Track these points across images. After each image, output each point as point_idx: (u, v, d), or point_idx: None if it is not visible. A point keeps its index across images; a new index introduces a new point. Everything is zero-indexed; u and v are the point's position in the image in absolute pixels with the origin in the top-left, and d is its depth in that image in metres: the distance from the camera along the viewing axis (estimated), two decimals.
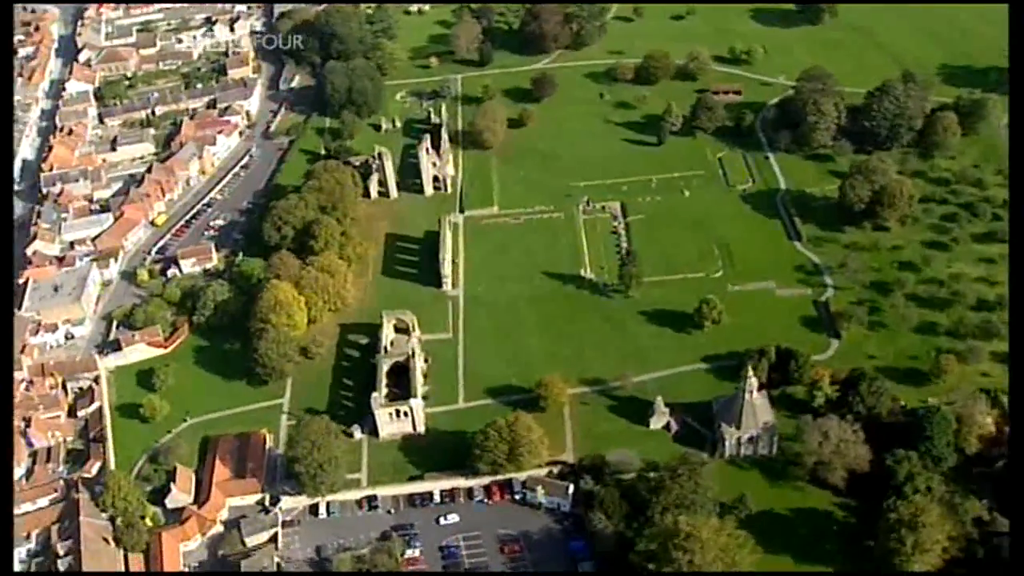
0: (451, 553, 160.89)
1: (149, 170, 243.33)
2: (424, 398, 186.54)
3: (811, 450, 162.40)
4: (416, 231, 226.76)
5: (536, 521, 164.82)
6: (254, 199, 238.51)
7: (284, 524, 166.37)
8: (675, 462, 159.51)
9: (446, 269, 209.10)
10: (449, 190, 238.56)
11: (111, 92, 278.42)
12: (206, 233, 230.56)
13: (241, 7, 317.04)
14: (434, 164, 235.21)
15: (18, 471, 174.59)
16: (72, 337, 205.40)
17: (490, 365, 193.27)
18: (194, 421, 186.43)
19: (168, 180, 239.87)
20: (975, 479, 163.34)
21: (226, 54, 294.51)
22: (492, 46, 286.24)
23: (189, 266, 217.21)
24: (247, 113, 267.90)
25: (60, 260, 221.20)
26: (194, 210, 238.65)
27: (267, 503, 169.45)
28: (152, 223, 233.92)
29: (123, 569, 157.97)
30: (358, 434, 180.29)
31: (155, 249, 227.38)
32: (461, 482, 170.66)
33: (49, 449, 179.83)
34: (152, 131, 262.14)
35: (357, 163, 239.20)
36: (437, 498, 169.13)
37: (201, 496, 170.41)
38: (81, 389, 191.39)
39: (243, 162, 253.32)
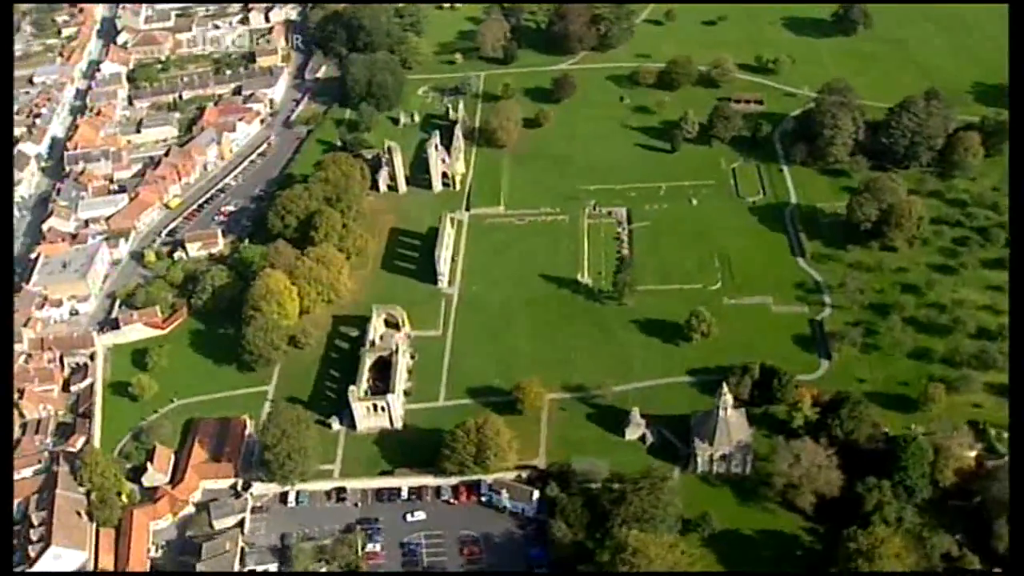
0: (411, 550, 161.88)
1: (167, 153, 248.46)
2: (406, 394, 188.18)
3: (781, 472, 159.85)
4: (420, 227, 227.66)
5: (499, 524, 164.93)
6: (266, 187, 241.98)
7: (253, 510, 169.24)
8: (637, 475, 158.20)
9: (442, 266, 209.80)
10: (458, 187, 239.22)
11: (143, 75, 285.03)
12: (216, 218, 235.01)
13: None
14: (443, 161, 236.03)
15: None
16: (76, 313, 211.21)
17: (475, 365, 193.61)
18: (181, 402, 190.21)
19: (185, 164, 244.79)
20: (950, 513, 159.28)
21: (258, 42, 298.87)
22: (519, 45, 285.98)
23: (195, 250, 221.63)
24: (270, 101, 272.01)
25: (73, 237, 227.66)
26: (208, 195, 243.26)
27: (239, 488, 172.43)
28: (166, 205, 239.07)
29: (91, 541, 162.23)
30: (336, 425, 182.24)
31: (166, 231, 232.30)
32: (430, 480, 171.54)
33: (39, 421, 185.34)
34: (177, 115, 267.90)
35: (369, 156, 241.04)
36: (405, 494, 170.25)
37: (177, 476, 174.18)
38: (78, 364, 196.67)
39: (261, 150, 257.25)
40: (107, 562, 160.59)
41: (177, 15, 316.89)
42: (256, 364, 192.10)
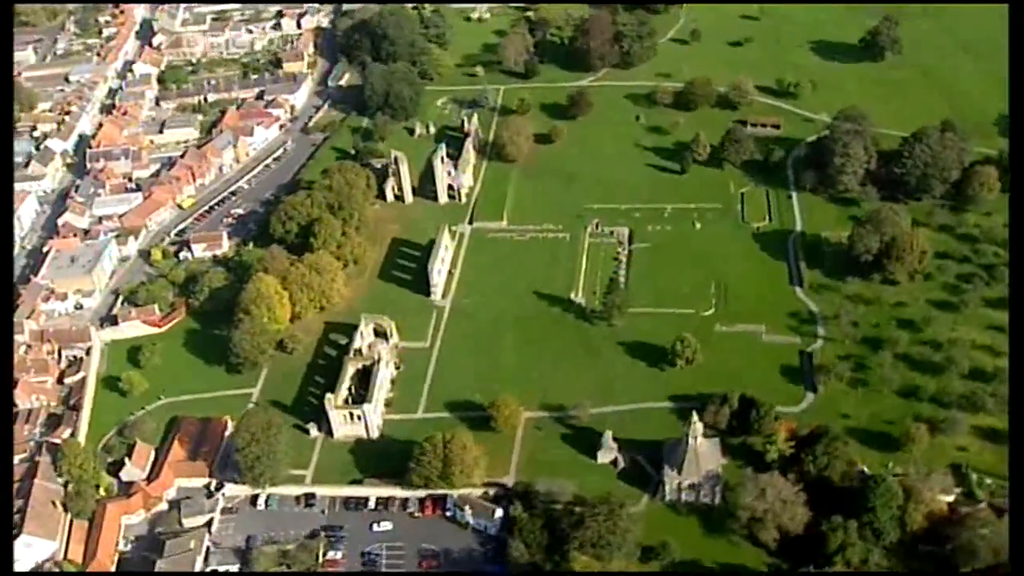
0: (371, 560, 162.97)
1: (184, 154, 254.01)
2: (387, 404, 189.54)
3: (745, 504, 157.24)
4: (422, 238, 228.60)
5: (461, 540, 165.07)
6: (277, 192, 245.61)
7: (223, 511, 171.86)
8: (596, 500, 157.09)
9: (435, 278, 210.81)
10: (463, 199, 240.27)
11: (172, 76, 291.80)
12: (225, 220, 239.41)
13: (314, 4, 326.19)
14: (449, 173, 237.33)
15: None
16: (81, 307, 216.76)
17: (458, 379, 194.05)
18: (168, 400, 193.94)
19: (200, 166, 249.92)
20: (920, 558, 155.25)
21: (285, 47, 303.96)
22: (541, 60, 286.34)
23: (200, 251, 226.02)
24: (291, 107, 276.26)
25: (86, 233, 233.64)
26: (220, 197, 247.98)
27: (212, 488, 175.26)
28: (179, 206, 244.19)
29: (64, 532, 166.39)
30: (314, 432, 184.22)
31: (175, 231, 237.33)
32: (398, 492, 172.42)
33: (30, 411, 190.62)
34: (200, 117, 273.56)
35: (379, 165, 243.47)
36: (372, 504, 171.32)
37: (154, 473, 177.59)
38: (75, 358, 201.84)
39: (276, 154, 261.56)
40: (76, 553, 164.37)
41: (213, 18, 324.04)
42: (243, 367, 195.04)
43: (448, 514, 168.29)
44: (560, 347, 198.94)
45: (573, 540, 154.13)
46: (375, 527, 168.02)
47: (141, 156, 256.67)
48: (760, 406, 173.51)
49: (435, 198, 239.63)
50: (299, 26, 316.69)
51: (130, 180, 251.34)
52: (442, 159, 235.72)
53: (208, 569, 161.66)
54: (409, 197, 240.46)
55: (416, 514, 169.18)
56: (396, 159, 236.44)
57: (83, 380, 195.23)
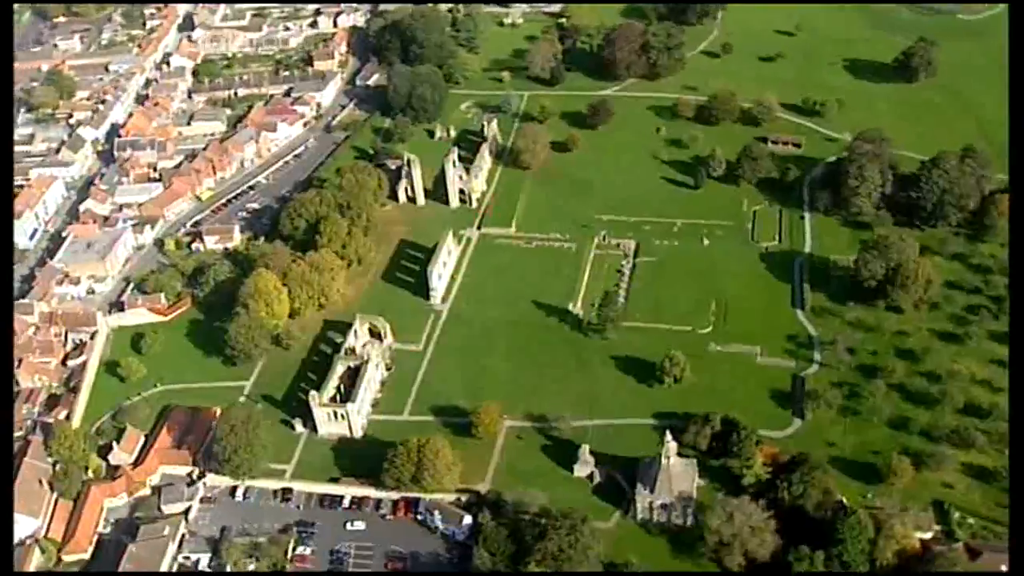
0: (339, 559, 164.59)
1: (206, 147, 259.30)
2: (374, 405, 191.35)
3: (712, 528, 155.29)
4: (429, 241, 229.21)
5: (429, 544, 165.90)
6: (293, 188, 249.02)
7: (202, 499, 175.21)
8: (558, 513, 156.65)
9: (435, 282, 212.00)
10: (475, 204, 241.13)
11: (206, 70, 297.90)
12: (240, 214, 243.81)
13: (352, 3, 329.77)
14: (460, 177, 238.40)
15: None
16: (93, 292, 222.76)
17: (447, 383, 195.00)
18: (164, 388, 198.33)
19: (221, 159, 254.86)
20: None
21: (317, 46, 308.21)
22: (568, 67, 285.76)
23: (212, 243, 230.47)
24: (317, 104, 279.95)
25: (105, 219, 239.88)
26: (238, 191, 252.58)
27: (194, 476, 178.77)
28: (197, 197, 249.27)
29: (48, 511, 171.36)
30: (299, 428, 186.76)
31: (191, 222, 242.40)
32: (372, 492, 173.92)
33: (32, 391, 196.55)
34: (228, 111, 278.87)
35: (394, 166, 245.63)
36: (347, 503, 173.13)
37: (140, 458, 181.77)
38: (80, 341, 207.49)
39: (298, 151, 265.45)
40: (57, 532, 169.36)
41: (253, 14, 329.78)
42: (238, 359, 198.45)
43: (419, 518, 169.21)
44: (551, 357, 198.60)
45: (536, 552, 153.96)
46: (348, 526, 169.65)
47: (167, 147, 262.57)
48: (741, 429, 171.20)
49: (447, 201, 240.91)
50: (335, 25, 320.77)
51: (154, 170, 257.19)
52: (453, 163, 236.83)
53: (181, 556, 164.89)
54: (421, 199, 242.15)
55: (388, 516, 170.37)
56: (409, 161, 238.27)
57: (85, 363, 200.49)
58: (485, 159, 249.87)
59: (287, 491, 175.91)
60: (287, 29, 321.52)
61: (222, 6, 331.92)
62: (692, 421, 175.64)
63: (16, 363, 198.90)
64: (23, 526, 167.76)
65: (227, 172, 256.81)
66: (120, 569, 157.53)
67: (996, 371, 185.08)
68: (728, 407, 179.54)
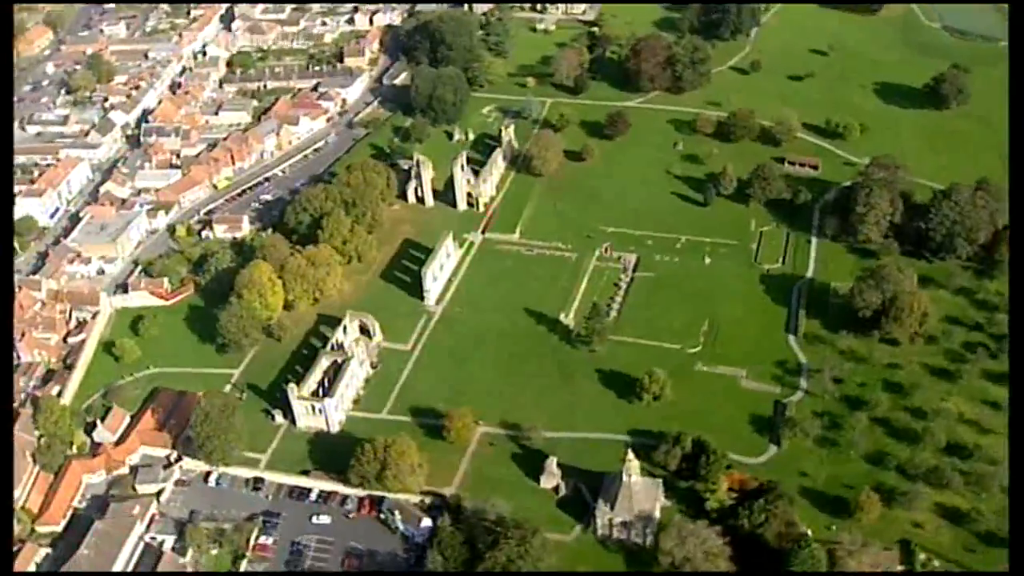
0: (298, 551, 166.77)
1: (227, 137, 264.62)
2: (355, 401, 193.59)
3: (665, 550, 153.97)
4: (434, 242, 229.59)
5: (388, 543, 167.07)
6: (307, 182, 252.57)
7: (177, 482, 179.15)
8: (511, 523, 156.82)
9: (429, 283, 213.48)
10: (482, 208, 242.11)
11: (240, 62, 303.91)
12: (253, 204, 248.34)
13: (391, 3, 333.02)
14: (468, 181, 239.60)
15: None
16: (103, 272, 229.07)
17: (428, 385, 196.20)
18: (156, 371, 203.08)
19: (240, 149, 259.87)
20: None
21: (349, 43, 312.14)
22: (593, 77, 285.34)
23: (221, 231, 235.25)
24: (343, 101, 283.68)
25: (123, 202, 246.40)
26: (254, 182, 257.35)
27: (172, 459, 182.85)
28: (214, 186, 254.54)
29: (28, 482, 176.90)
30: (279, 419, 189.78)
31: (205, 210, 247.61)
32: (340, 488, 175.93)
33: (30, 365, 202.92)
34: (255, 103, 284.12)
35: (406, 166, 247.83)
36: (314, 496, 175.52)
37: (123, 438, 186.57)
38: (83, 320, 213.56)
39: (318, 146, 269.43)
40: (35, 503, 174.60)
41: (293, 8, 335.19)
42: (229, 347, 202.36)
43: (381, 517, 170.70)
44: (536, 367, 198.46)
45: (487, 560, 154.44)
46: (314, 519, 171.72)
47: (190, 135, 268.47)
48: (711, 452, 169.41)
49: (455, 204, 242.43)
50: (371, 23, 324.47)
51: (177, 157, 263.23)
52: (462, 166, 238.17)
53: (148, 536, 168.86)
54: (430, 200, 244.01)
55: (352, 513, 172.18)
56: (418, 162, 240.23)
57: (84, 342, 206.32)
58: (497, 164, 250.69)
59: (258, 480, 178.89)
60: (324, 24, 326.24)
61: None
62: (664, 440, 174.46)
63: (19, 336, 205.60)
64: None
65: (246, 163, 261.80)
66: (83, 544, 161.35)
67: (986, 412, 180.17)
68: (705, 429, 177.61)
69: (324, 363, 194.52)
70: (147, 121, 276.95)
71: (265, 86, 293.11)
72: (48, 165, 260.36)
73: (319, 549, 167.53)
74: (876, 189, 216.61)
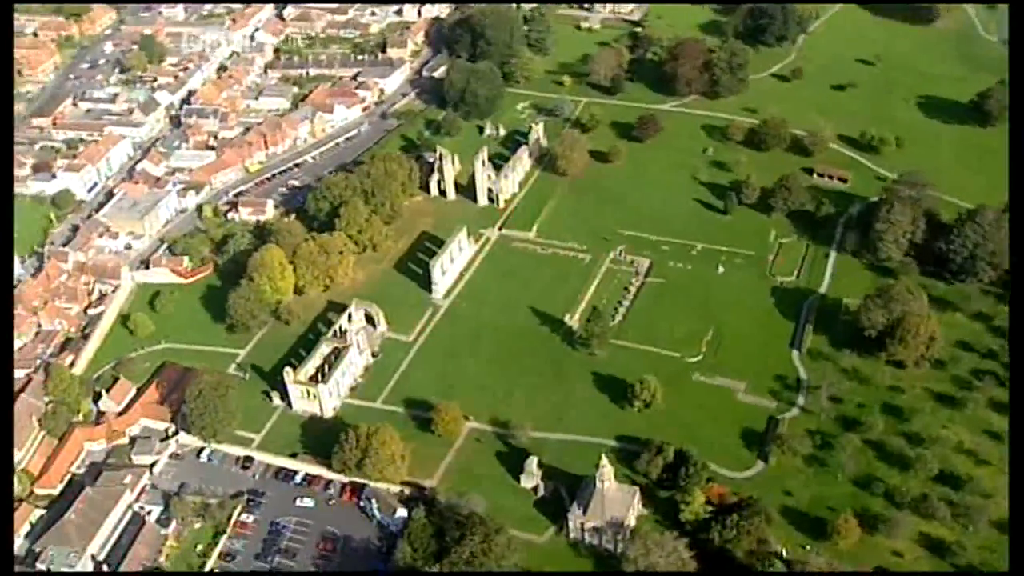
0: (276, 530, 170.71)
1: (263, 122, 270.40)
2: (352, 389, 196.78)
3: (629, 558, 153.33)
4: (450, 235, 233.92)
5: (364, 531, 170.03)
6: (336, 169, 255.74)
7: (171, 456, 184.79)
8: (475, 519, 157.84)
9: (437, 276, 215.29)
10: (502, 204, 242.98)
11: (286, 48, 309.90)
12: (280, 189, 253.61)
13: None
14: (489, 176, 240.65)
15: (18, 342, 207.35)
16: (130, 248, 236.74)
17: (425, 377, 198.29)
18: (167, 346, 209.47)
19: (274, 135, 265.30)
20: None
21: (398, 34, 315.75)
22: (631, 78, 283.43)
23: (246, 214, 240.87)
24: (380, 91, 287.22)
25: (157, 180, 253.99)
26: (285, 167, 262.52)
27: (169, 433, 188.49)
28: (246, 169, 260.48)
29: (32, 445, 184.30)
30: (277, 401, 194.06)
31: (234, 192, 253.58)
32: (325, 472, 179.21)
33: (49, 333, 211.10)
34: (295, 89, 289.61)
35: (431, 159, 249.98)
36: (299, 479, 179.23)
37: (126, 409, 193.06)
38: (104, 292, 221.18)
39: (351, 134, 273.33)
40: (35, 466, 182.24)
41: None
42: (237, 327, 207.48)
43: (361, 504, 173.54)
44: (533, 366, 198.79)
45: (452, 554, 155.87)
46: (297, 501, 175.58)
47: (228, 118, 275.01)
48: (692, 464, 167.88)
49: (476, 199, 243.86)
50: (419, 15, 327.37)
51: (214, 138, 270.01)
52: (483, 162, 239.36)
53: (136, 506, 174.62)
54: (452, 194, 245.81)
55: (332, 500, 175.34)
56: (441, 155, 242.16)
57: (102, 314, 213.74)
58: (522, 161, 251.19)
59: (248, 459, 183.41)
60: (373, 15, 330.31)
61: None
62: (647, 449, 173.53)
63: (41, 303, 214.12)
64: None
65: (279, 148, 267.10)
66: (71, 510, 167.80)
67: (985, 442, 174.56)
68: (693, 439, 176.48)
69: (324, 349, 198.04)
70: (190, 103, 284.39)
71: (308, 73, 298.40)
72: (93, 141, 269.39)
73: (297, 531, 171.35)
74: (898, 206, 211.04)
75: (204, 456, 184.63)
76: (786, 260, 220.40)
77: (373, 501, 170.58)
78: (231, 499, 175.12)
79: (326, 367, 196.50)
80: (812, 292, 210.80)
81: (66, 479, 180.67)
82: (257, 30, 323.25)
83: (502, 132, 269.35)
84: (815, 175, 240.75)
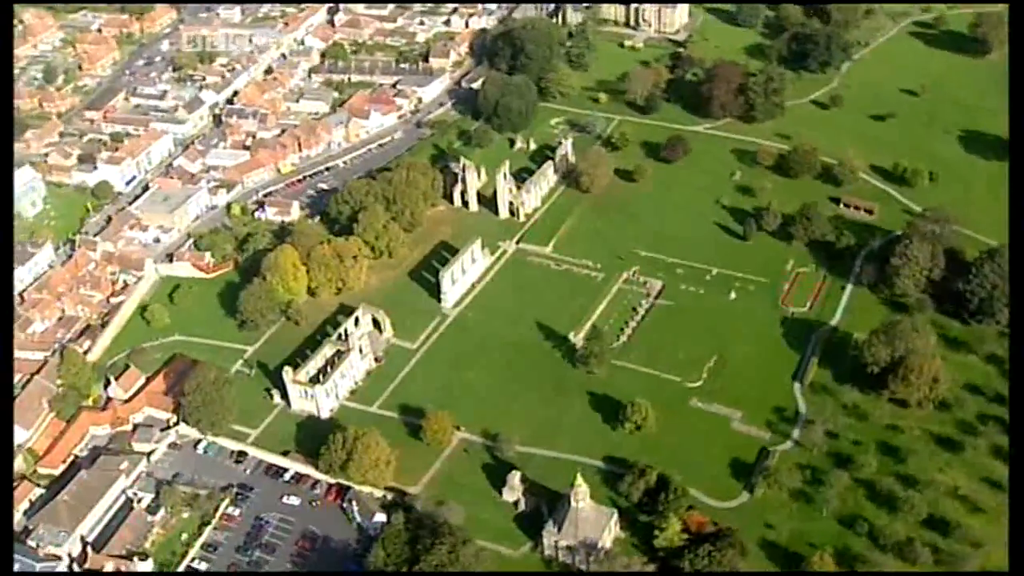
0: (259, 526, 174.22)
1: (298, 125, 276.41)
2: (352, 392, 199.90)
3: None
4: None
5: (344, 533, 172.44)
6: (365, 175, 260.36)
7: (170, 445, 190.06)
8: (446, 529, 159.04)
9: (446, 286, 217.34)
10: (522, 218, 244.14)
11: (333, 53, 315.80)
12: (309, 191, 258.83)
13: (491, 5, 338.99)
14: (511, 190, 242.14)
15: (40, 326, 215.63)
16: (158, 241, 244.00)
17: (424, 385, 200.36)
18: (179, 338, 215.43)
19: (308, 138, 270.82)
20: None
21: (444, 44, 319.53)
22: (667, 98, 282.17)
23: (272, 214, 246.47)
24: (418, 99, 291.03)
25: (191, 176, 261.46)
26: (316, 170, 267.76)
27: (171, 423, 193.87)
28: (278, 170, 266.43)
29: (40, 425, 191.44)
30: (277, 399, 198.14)
31: (263, 192, 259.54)
32: (313, 472, 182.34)
33: (71, 318, 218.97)
34: (335, 95, 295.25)
35: (456, 170, 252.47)
36: (288, 477, 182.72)
37: (133, 397, 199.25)
38: (127, 283, 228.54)
39: (384, 141, 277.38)
40: (41, 446, 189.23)
41: (395, 6, 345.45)
42: (248, 325, 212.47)
43: (343, 506, 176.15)
44: (533, 381, 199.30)
45: (421, 562, 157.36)
46: (284, 499, 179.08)
47: (268, 119, 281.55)
48: (673, 489, 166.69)
49: (497, 211, 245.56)
50: (467, 25, 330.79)
51: (252, 139, 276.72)
52: (505, 175, 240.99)
53: (130, 491, 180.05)
54: (474, 205, 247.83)
55: (316, 501, 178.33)
56: (464, 167, 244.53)
57: (122, 304, 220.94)
58: (547, 176, 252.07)
59: (242, 454, 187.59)
60: (421, 24, 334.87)
61: None
62: (630, 472, 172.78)
63: (68, 290, 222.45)
64: (15, 435, 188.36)
65: (312, 151, 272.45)
66: (64, 491, 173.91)
67: (982, 489, 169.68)
68: (681, 466, 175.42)
69: (327, 351, 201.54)
70: (233, 103, 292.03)
71: (350, 79, 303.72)
72: (137, 136, 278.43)
73: (279, 527, 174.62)
74: (916, 241, 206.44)
75: (200, 448, 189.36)
76: (800, 290, 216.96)
77: (354, 504, 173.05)
78: (221, 491, 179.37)
79: (328, 368, 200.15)
80: (823, 324, 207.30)
81: (68, 461, 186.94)
82: (307, 34, 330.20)
83: (533, 146, 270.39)
84: (841, 205, 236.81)
